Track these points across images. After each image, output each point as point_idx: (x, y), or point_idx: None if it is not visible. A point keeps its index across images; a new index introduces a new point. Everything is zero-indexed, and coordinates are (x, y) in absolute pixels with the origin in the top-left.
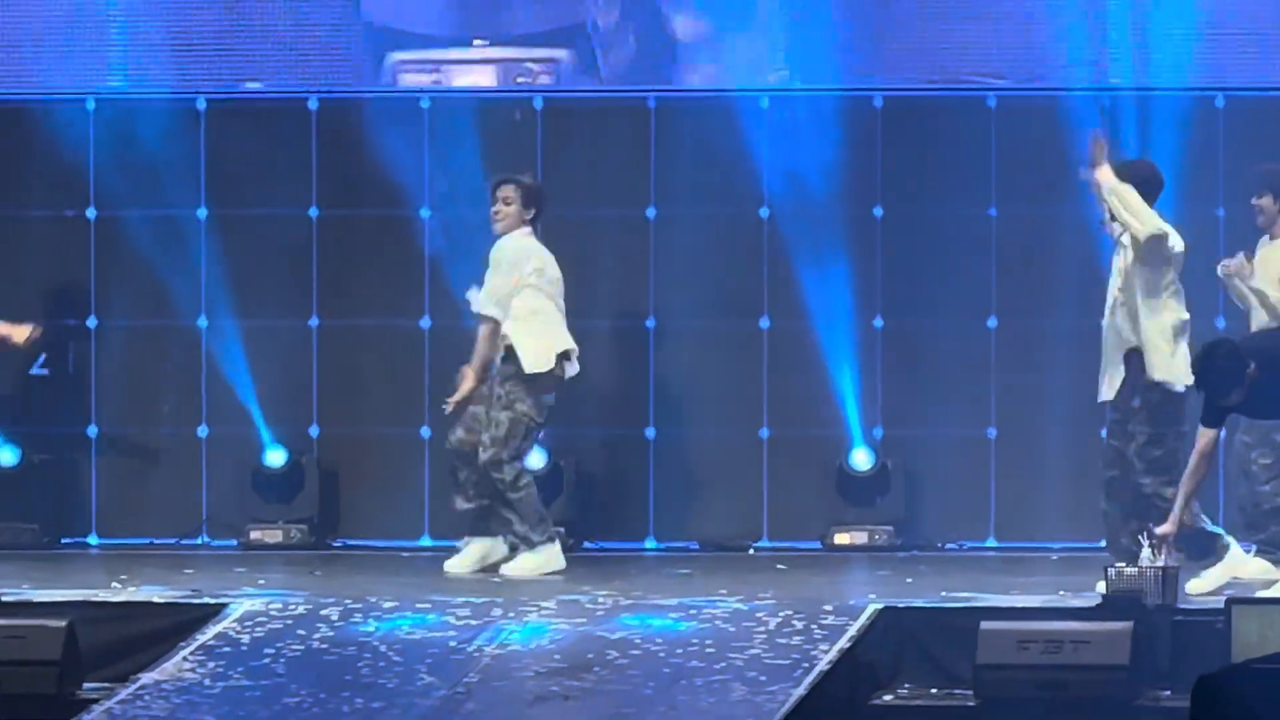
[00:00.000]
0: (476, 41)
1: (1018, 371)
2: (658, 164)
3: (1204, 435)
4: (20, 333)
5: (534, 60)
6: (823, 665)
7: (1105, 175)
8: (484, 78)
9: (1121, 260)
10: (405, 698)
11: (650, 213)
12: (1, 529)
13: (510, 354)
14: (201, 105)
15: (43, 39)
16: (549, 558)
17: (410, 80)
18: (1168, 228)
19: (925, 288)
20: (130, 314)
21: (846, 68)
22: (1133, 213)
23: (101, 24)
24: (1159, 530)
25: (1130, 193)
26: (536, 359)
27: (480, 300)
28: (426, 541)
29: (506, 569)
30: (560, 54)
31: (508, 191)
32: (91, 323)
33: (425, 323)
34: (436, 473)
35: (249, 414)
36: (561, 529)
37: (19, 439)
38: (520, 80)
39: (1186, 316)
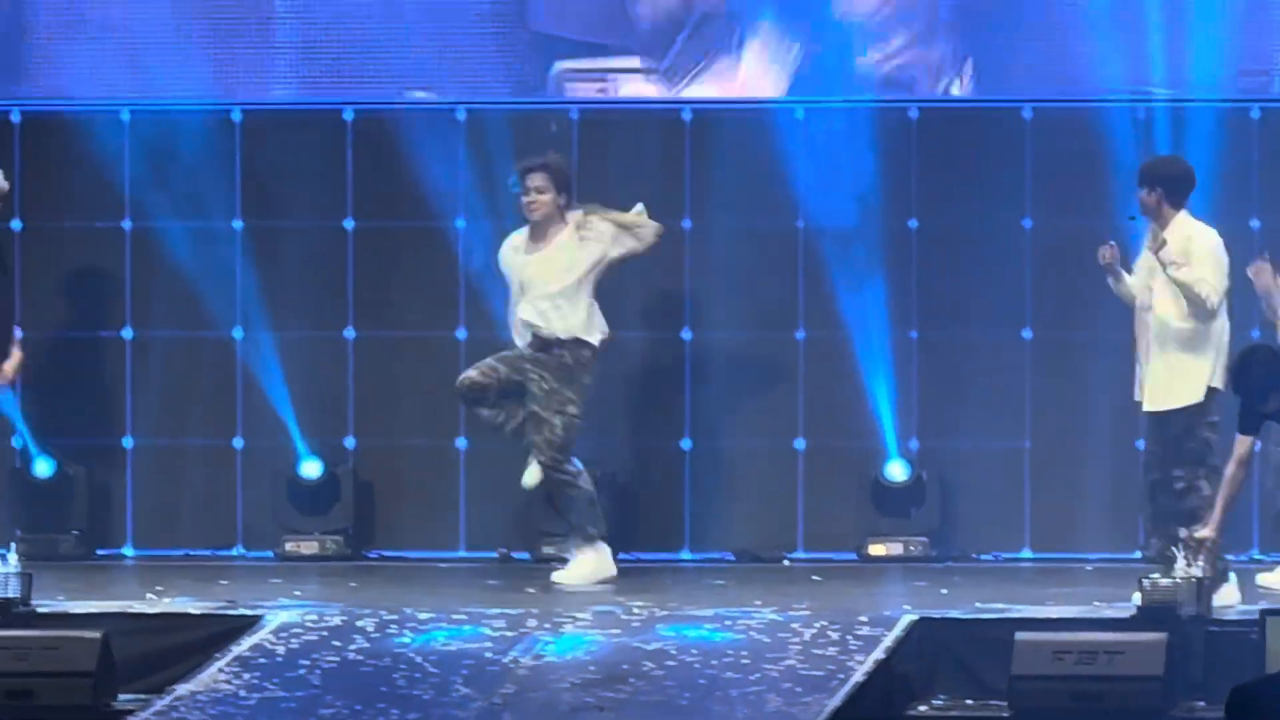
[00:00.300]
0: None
1: (1053, 382)
2: (693, 175)
3: (1241, 443)
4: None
5: (700, 70)
6: (858, 676)
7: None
8: (651, 89)
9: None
10: (441, 709)
11: (686, 224)
12: (37, 540)
13: (560, 343)
14: (237, 116)
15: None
16: (600, 562)
17: (576, 90)
18: (1221, 277)
19: (960, 299)
20: (165, 325)
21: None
22: (1196, 283)
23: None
24: (1198, 534)
25: (1189, 278)
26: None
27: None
28: (462, 553)
29: (558, 577)
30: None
31: (539, 180)
32: (127, 334)
33: (461, 334)
34: (472, 484)
35: (284, 425)
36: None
37: (55, 450)
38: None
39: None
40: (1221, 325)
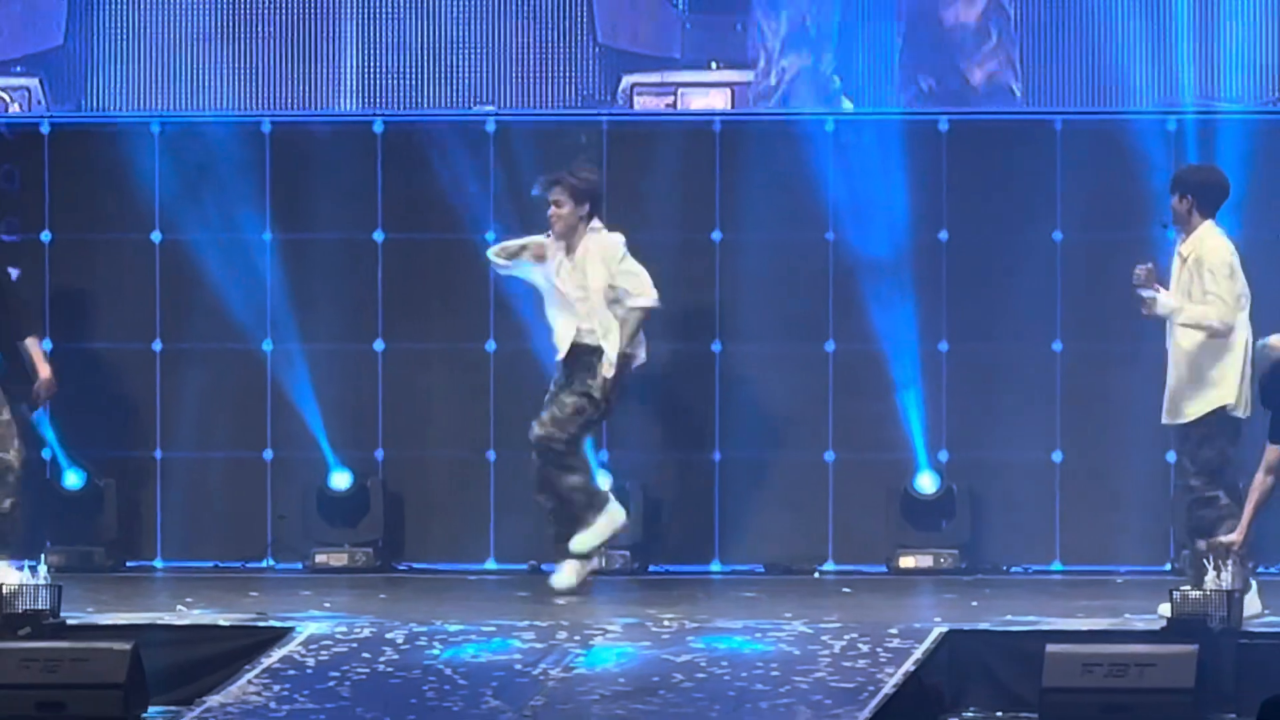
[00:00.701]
0: (713, 64)
1: (1083, 395)
2: (723, 187)
3: (1272, 451)
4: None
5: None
6: (888, 689)
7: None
8: (719, 100)
9: (1182, 281)
10: None
11: (716, 236)
12: (67, 552)
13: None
14: (266, 128)
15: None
16: (612, 515)
17: (646, 104)
18: (1232, 295)
19: (990, 311)
20: (195, 337)
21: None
22: (1203, 315)
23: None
24: (1224, 538)
25: (1187, 314)
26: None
27: (640, 294)
28: (492, 565)
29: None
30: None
31: (558, 194)
32: (156, 346)
33: (490, 346)
34: (502, 496)
35: (314, 437)
36: (627, 551)
37: (85, 462)
38: (759, 103)
39: (1249, 336)
40: (1240, 339)
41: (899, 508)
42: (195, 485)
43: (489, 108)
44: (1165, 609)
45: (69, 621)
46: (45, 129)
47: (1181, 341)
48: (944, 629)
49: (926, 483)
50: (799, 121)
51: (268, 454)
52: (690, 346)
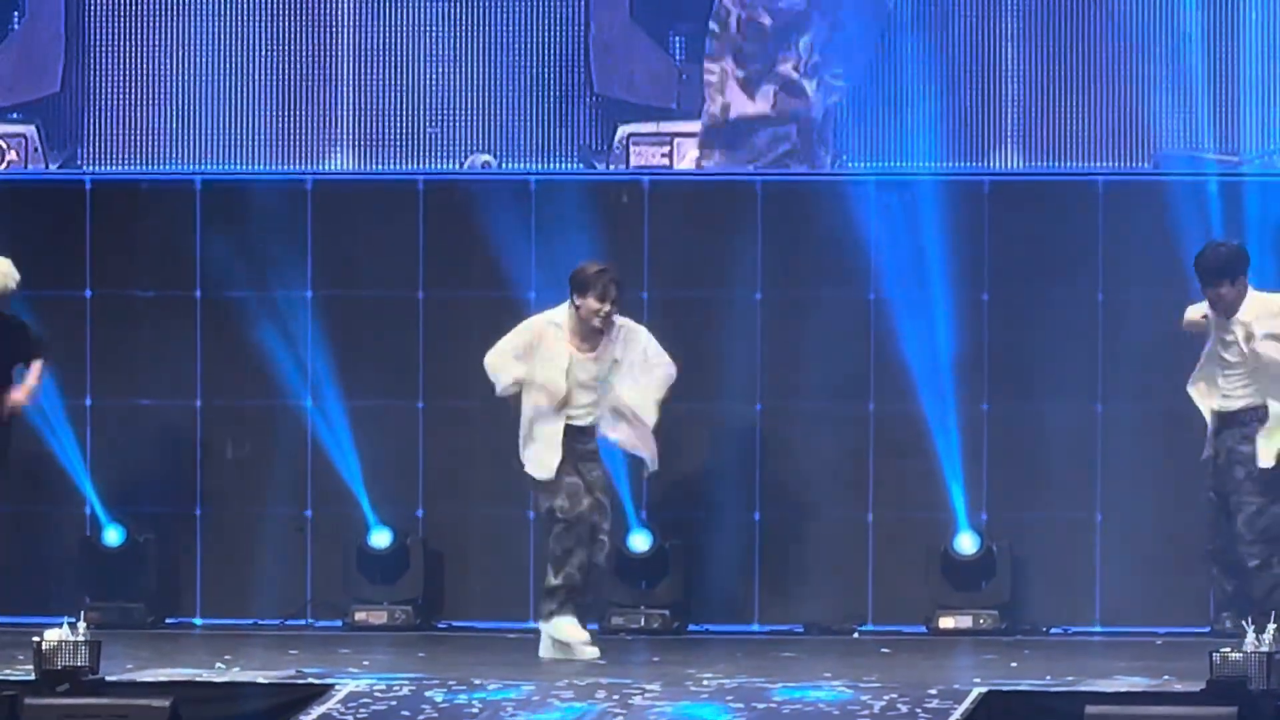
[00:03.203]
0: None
1: (1124, 455)
2: (765, 246)
3: None
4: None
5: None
6: None
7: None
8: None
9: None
10: None
11: (758, 295)
12: (107, 608)
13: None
14: (309, 186)
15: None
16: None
17: (642, 153)
18: None
19: (1031, 371)
20: (237, 394)
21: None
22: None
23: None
24: None
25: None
26: None
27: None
28: (531, 624)
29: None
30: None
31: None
32: (197, 402)
33: None
34: (541, 554)
35: (354, 495)
36: (667, 610)
37: (125, 518)
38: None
39: None
40: None
41: (939, 568)
42: (235, 542)
43: (484, 157)
44: None
45: (108, 678)
46: (88, 186)
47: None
48: (983, 690)
49: (966, 543)
50: (842, 181)
51: (308, 512)
52: (732, 405)
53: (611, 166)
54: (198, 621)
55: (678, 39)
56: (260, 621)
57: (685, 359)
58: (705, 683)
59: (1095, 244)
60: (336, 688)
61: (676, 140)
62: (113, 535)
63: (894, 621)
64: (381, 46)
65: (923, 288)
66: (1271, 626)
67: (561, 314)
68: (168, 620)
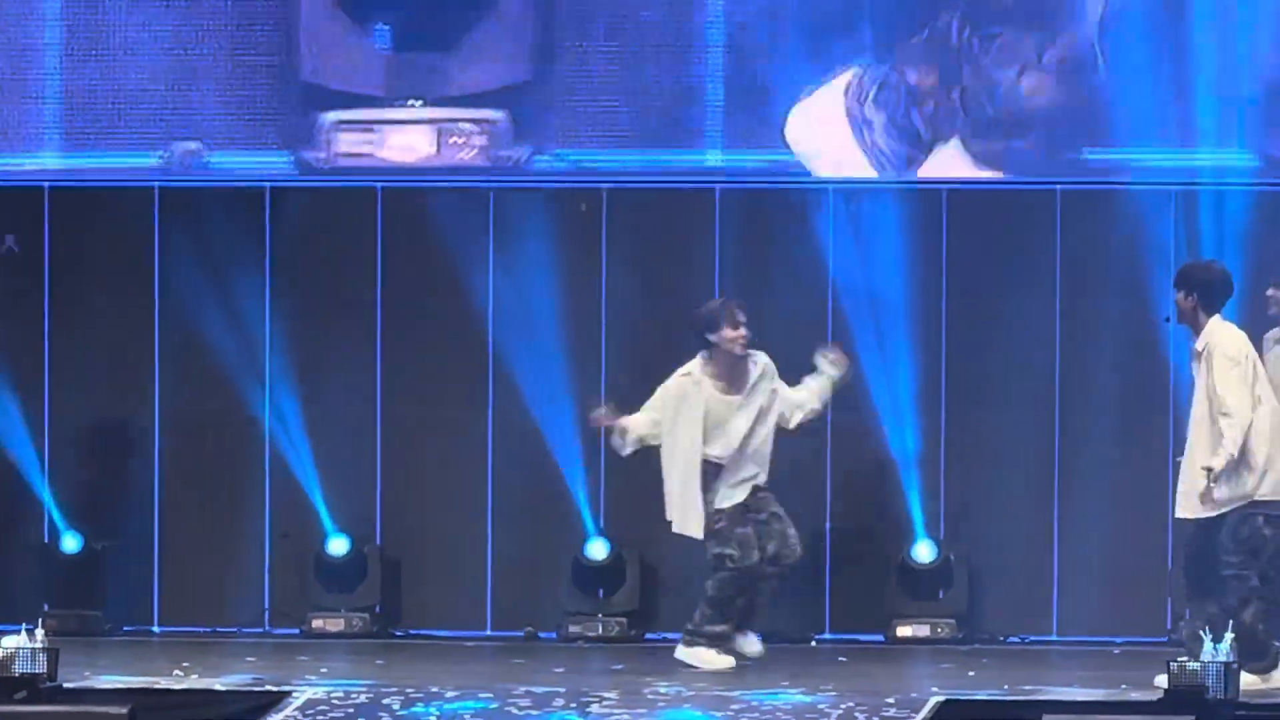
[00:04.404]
0: (411, 102)
1: (1080, 465)
2: (723, 254)
3: None
4: None
5: (469, 120)
6: None
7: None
8: (420, 138)
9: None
10: None
11: None
12: (65, 616)
13: None
14: (267, 193)
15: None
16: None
17: (346, 140)
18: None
19: (990, 381)
20: (194, 401)
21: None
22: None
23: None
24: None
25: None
26: None
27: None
28: (489, 631)
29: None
30: (496, 115)
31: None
32: (156, 411)
33: (489, 412)
34: (499, 563)
35: (312, 503)
36: (624, 619)
37: (84, 526)
38: (454, 141)
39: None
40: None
41: (896, 577)
42: (193, 549)
43: (191, 145)
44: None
45: (66, 685)
46: (45, 193)
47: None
48: (940, 699)
49: (924, 552)
50: (800, 189)
51: (266, 519)
52: None
53: (321, 156)
54: (156, 629)
55: (384, 27)
56: (218, 629)
57: (643, 368)
58: (663, 691)
59: (1054, 254)
60: (294, 695)
61: (380, 127)
62: (71, 543)
63: (852, 630)
64: (87, 31)
65: (880, 296)
66: (1229, 636)
67: (694, 365)
68: (126, 628)
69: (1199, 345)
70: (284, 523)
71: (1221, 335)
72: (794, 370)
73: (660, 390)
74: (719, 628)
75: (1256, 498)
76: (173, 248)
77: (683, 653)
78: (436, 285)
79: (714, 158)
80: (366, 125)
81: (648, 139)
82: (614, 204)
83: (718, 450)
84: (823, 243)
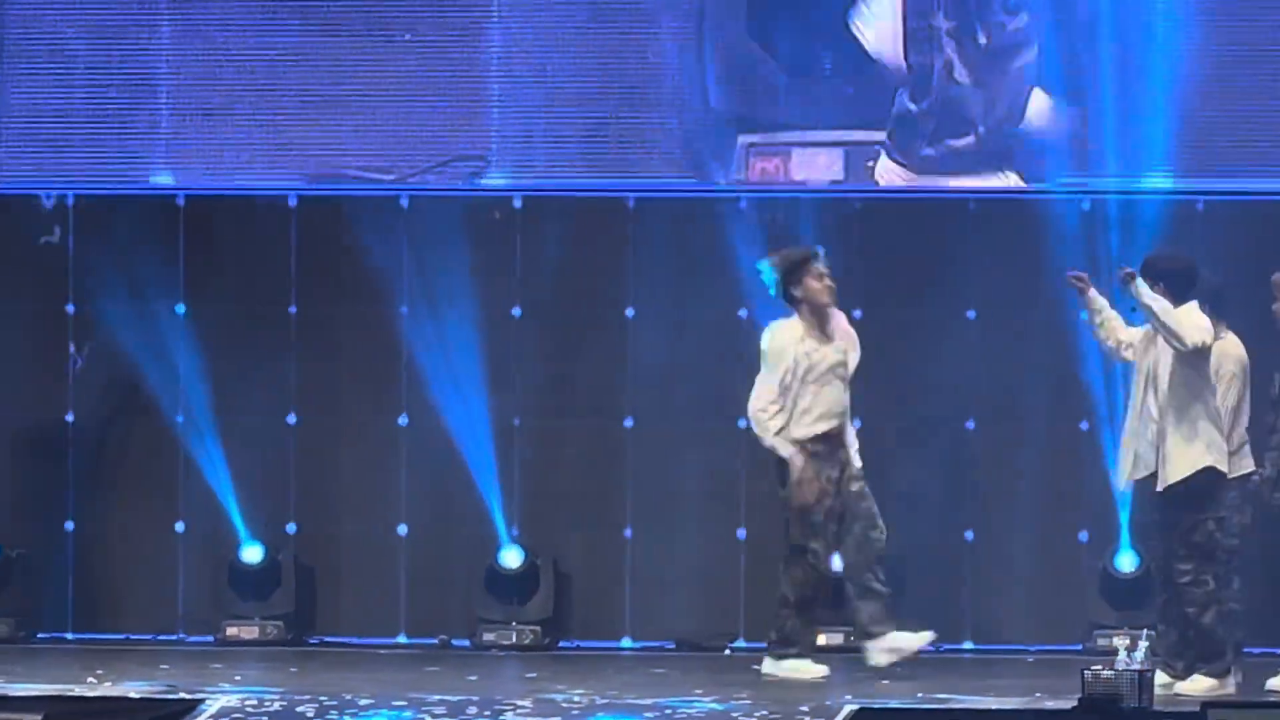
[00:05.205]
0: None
1: (996, 473)
2: (636, 263)
3: None
4: None
5: (879, 143)
6: None
7: (1139, 293)
8: (833, 160)
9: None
10: None
11: (629, 312)
12: None
13: None
14: (181, 201)
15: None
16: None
17: (759, 166)
18: (1206, 331)
19: (902, 389)
20: (109, 409)
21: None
22: (1174, 327)
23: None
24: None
25: (1165, 309)
26: None
27: None
28: (403, 639)
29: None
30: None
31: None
32: (69, 417)
33: (403, 420)
34: (413, 570)
35: (226, 511)
36: (538, 626)
37: None
38: (869, 165)
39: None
40: (1223, 408)
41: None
42: (107, 557)
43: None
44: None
45: None
46: None
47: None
48: (854, 707)
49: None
50: (712, 199)
51: (179, 526)
52: (602, 422)
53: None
54: (70, 636)
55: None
56: (132, 636)
57: (556, 375)
58: (577, 699)
59: (967, 262)
60: (208, 703)
61: (793, 150)
62: None
63: (765, 639)
64: None
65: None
66: (1144, 644)
67: (787, 322)
68: (39, 635)
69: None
70: (196, 531)
71: (1196, 316)
72: (705, 383)
73: (771, 363)
74: (793, 626)
75: (1231, 475)
76: (88, 255)
77: (773, 669)
78: (350, 293)
79: None
80: (781, 148)
81: None
82: (526, 212)
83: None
84: (734, 251)
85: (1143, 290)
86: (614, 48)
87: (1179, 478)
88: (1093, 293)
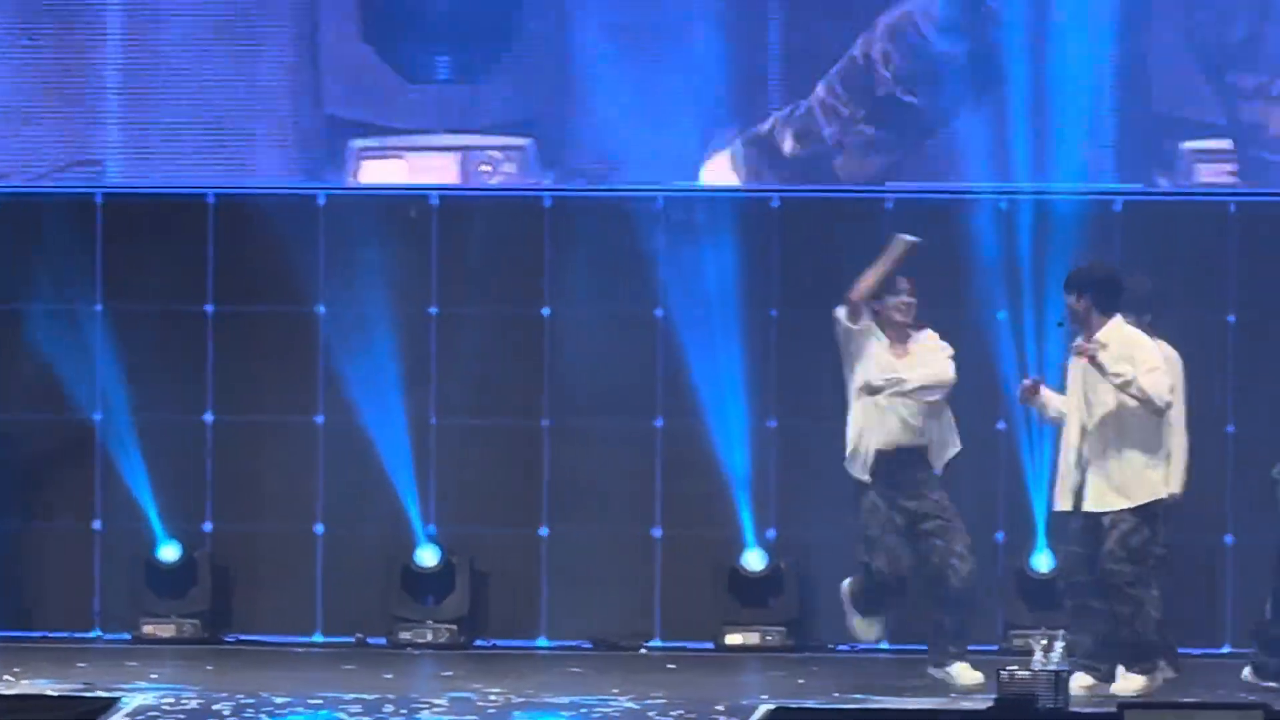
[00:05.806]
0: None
1: None
2: (552, 262)
3: None
4: None
5: (497, 148)
6: None
7: (1103, 371)
8: (447, 164)
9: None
10: None
11: (545, 311)
12: None
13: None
14: (99, 199)
15: None
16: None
17: (372, 168)
18: (1168, 382)
19: (820, 388)
20: (25, 407)
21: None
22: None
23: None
24: None
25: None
26: None
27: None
28: (319, 638)
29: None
30: (523, 142)
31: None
32: None
33: (319, 419)
34: (329, 569)
35: (142, 509)
36: (454, 625)
37: None
38: (483, 169)
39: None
40: (1173, 429)
41: (726, 584)
42: (23, 554)
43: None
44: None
45: None
46: None
47: (1112, 430)
48: (770, 706)
49: (754, 560)
50: (629, 198)
51: (96, 524)
52: (518, 421)
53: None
54: None
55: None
56: (49, 634)
57: (473, 374)
58: (492, 698)
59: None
60: (124, 701)
61: (407, 154)
62: None
63: (681, 638)
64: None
65: (711, 304)
66: (1060, 644)
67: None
68: None
69: (1100, 338)
70: (112, 529)
71: (1133, 333)
72: (621, 381)
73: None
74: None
75: (1165, 495)
76: (2, 252)
77: (944, 677)
78: (267, 291)
79: None
80: (393, 151)
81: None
82: (443, 211)
83: None
84: (651, 250)
85: (1106, 367)
86: (237, 54)
87: (1124, 507)
88: (1045, 391)
